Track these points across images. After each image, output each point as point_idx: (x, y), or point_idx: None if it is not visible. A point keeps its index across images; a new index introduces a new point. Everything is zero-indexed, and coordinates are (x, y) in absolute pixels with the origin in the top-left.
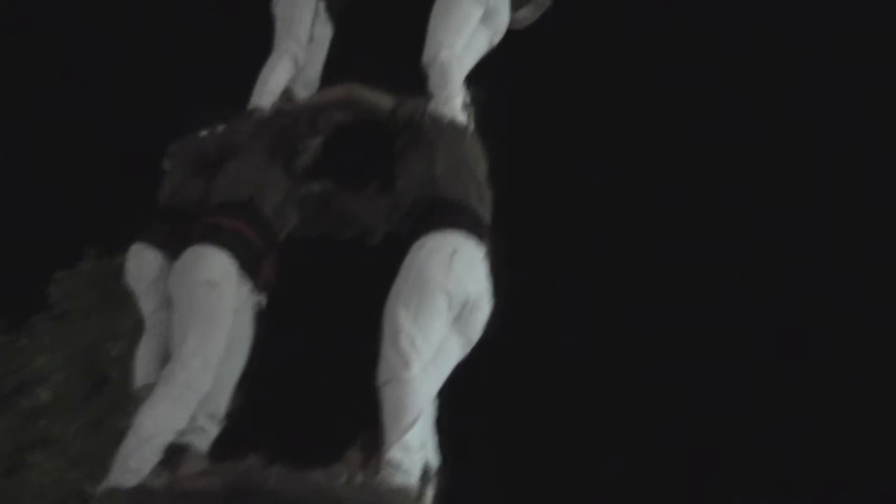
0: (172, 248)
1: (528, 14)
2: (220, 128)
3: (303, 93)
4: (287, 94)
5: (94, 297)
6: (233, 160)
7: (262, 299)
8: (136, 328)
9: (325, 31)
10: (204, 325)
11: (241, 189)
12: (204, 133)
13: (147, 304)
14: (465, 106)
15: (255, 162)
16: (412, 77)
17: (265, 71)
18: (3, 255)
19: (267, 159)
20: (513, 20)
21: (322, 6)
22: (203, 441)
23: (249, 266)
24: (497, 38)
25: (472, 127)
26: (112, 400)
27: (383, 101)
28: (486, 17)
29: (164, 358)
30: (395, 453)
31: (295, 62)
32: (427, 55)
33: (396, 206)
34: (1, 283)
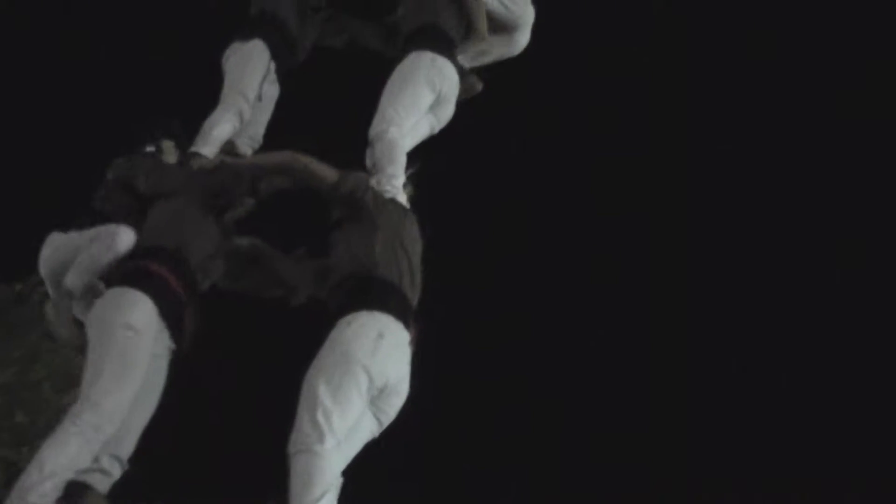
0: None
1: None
2: (164, 145)
3: (245, 148)
4: (229, 147)
5: None
6: (166, 202)
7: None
8: (26, 357)
9: (273, 91)
10: (119, 368)
11: (171, 236)
12: (150, 149)
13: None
14: (405, 186)
15: (189, 210)
16: (353, 147)
17: (210, 122)
18: None
19: (200, 209)
20: None
21: (273, 66)
22: (104, 482)
23: (170, 314)
24: (438, 128)
25: (409, 207)
26: None
27: (326, 172)
28: (435, 105)
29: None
30: None
31: (240, 117)
32: (374, 129)
33: (327, 275)
34: None
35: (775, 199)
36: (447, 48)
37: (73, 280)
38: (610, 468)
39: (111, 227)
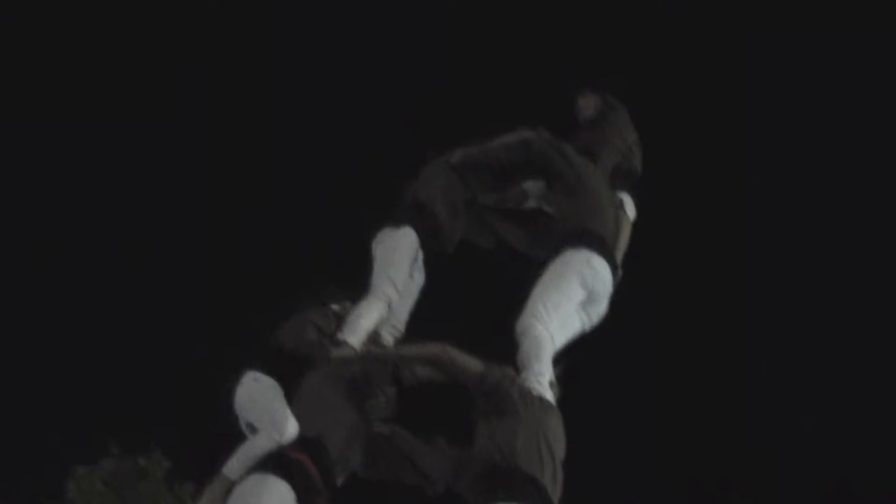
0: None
1: None
2: (345, 306)
3: (388, 336)
4: (373, 336)
5: (109, 496)
6: (311, 388)
7: None
8: None
9: (419, 279)
10: None
11: (313, 425)
12: (334, 306)
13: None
14: (551, 384)
15: (331, 399)
16: (498, 340)
17: (359, 310)
18: (27, 441)
19: (343, 399)
20: None
21: (421, 254)
22: None
23: (306, 500)
24: (589, 326)
25: (556, 405)
26: None
27: (473, 364)
28: (586, 303)
29: None
30: None
31: (388, 305)
32: (521, 325)
33: (467, 466)
34: (20, 468)
35: None
36: (604, 249)
37: (234, 468)
38: None
39: (280, 418)
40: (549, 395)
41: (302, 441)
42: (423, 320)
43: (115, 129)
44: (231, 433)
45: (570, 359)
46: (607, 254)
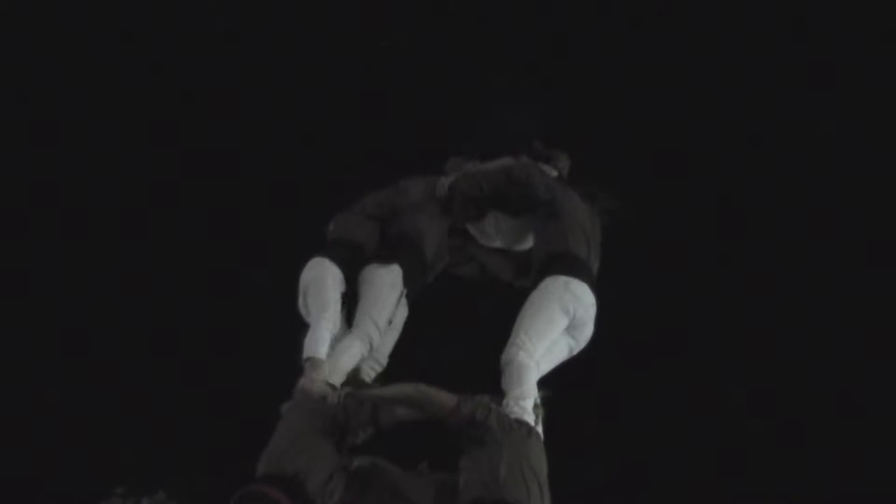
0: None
1: None
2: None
3: (369, 371)
4: (353, 373)
5: None
6: (285, 427)
7: None
8: None
9: (402, 314)
10: None
11: (289, 463)
12: None
13: None
14: (535, 407)
15: (309, 437)
16: (484, 368)
17: (340, 347)
18: (28, 483)
19: (321, 437)
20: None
21: (405, 291)
22: None
23: None
24: (577, 349)
25: (539, 428)
26: None
27: (447, 400)
28: (571, 328)
29: None
30: None
31: (370, 345)
32: (505, 355)
33: (453, 498)
34: None
35: None
36: (582, 271)
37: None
38: None
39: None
40: (530, 417)
41: (277, 479)
42: (409, 352)
43: None
44: (236, 475)
45: (557, 382)
46: (586, 276)
